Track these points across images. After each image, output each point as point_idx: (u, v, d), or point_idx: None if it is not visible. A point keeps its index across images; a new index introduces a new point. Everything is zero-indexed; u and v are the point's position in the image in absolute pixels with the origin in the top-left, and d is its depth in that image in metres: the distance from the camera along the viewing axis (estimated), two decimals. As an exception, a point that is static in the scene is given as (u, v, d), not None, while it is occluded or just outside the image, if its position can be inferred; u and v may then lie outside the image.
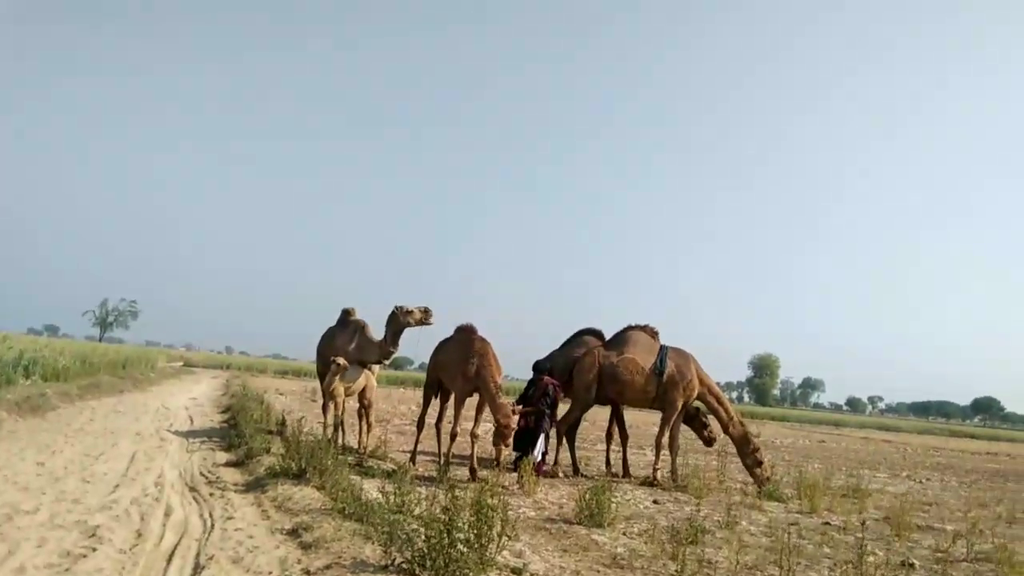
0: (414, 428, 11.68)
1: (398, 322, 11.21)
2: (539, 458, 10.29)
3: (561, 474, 11.12)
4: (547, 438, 10.67)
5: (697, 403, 11.97)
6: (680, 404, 11.50)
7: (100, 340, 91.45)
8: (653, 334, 12.03)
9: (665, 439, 11.50)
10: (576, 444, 12.40)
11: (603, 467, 12.34)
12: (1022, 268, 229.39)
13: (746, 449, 11.52)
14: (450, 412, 10.64)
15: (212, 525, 6.29)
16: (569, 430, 11.98)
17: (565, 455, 12.09)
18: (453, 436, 10.04)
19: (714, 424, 12.25)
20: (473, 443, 9.91)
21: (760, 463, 11.47)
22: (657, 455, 11.51)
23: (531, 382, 10.99)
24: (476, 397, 10.19)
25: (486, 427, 10.38)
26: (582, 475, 11.34)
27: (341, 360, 10.99)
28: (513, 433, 9.65)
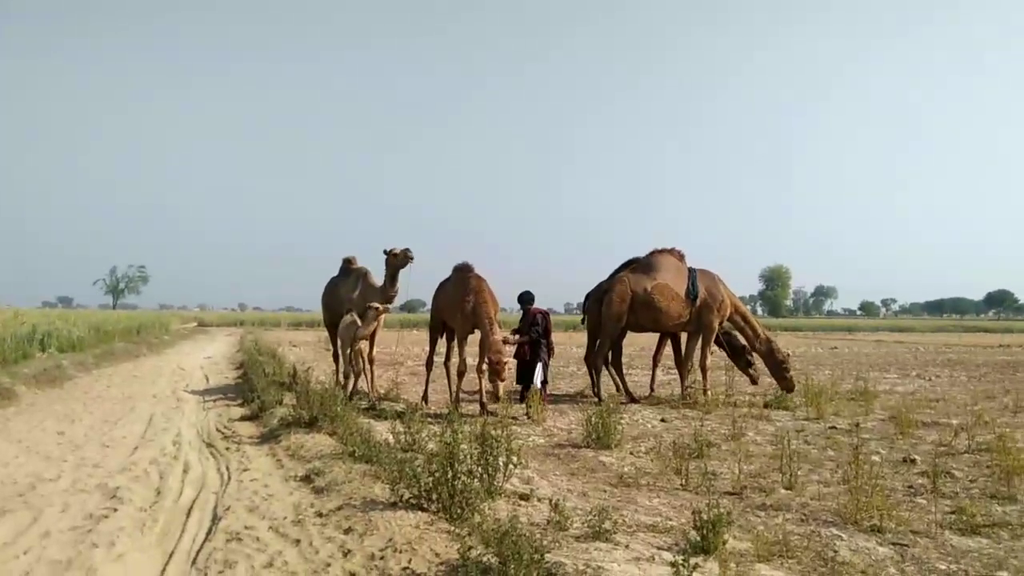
0: (424, 369, 11.87)
1: (390, 264, 11.29)
2: (539, 386, 10.42)
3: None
4: (546, 367, 10.79)
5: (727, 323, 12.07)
6: (716, 325, 11.61)
7: (114, 308, 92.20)
8: (680, 257, 11.95)
9: (708, 361, 11.65)
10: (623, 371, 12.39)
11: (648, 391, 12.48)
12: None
13: (775, 360, 11.73)
14: (456, 350, 10.79)
15: (229, 478, 6.49)
16: (614, 358, 11.98)
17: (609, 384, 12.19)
18: (460, 373, 10.21)
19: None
20: (480, 379, 10.08)
21: (787, 374, 11.70)
22: (705, 377, 11.64)
23: (523, 315, 11.08)
24: (479, 334, 10.32)
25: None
26: (636, 401, 11.44)
27: (378, 304, 11.01)
28: (506, 367, 9.79)
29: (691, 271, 11.67)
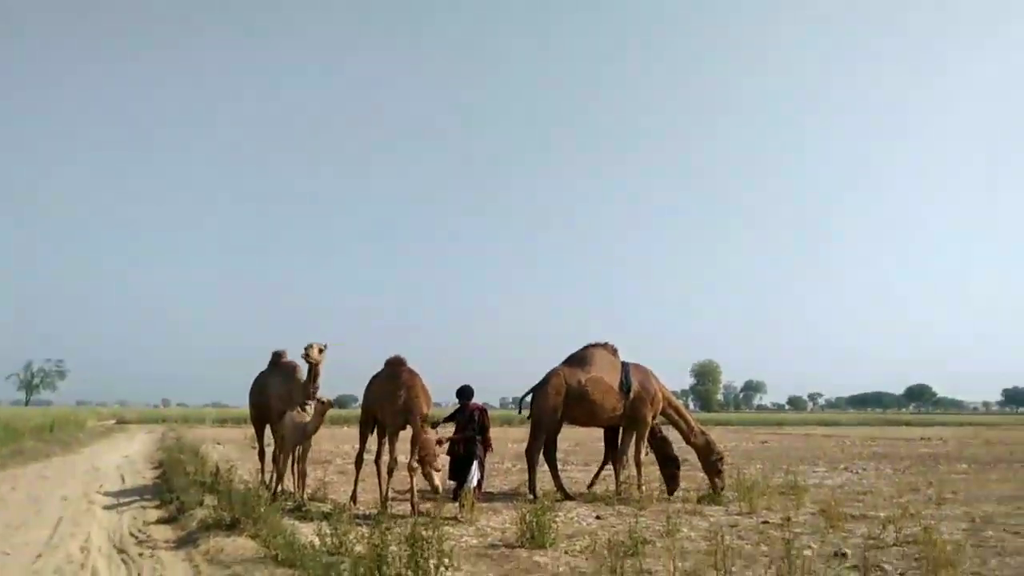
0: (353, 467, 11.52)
1: (305, 360, 10.85)
2: (474, 484, 10.24)
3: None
4: (481, 464, 10.62)
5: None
6: (650, 419, 11.62)
7: (26, 404, 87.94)
8: (613, 351, 12.02)
9: (643, 455, 11.58)
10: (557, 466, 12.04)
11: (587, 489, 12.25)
12: (950, 262, 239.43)
13: (710, 458, 11.69)
14: (388, 447, 10.53)
15: (141, 587, 6.09)
16: (548, 453, 11.72)
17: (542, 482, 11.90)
18: (390, 471, 9.92)
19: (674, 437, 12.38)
20: (412, 476, 9.82)
21: (721, 471, 11.66)
22: (639, 472, 11.53)
23: (459, 409, 10.95)
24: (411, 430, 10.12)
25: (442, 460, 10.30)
26: (571, 498, 11.21)
27: (326, 398, 10.52)
28: (436, 462, 9.56)
29: (624, 365, 11.78)
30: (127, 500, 11.31)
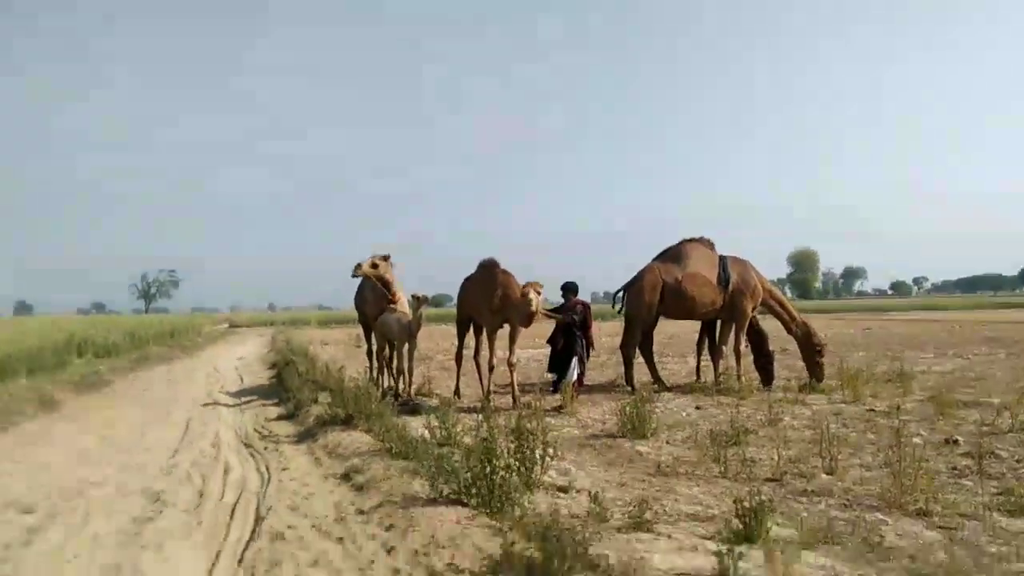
0: (454, 363, 11.89)
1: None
2: (574, 378, 10.44)
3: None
4: (581, 360, 10.76)
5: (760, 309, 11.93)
6: (750, 311, 11.55)
7: (146, 312, 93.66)
8: (710, 245, 11.92)
9: (742, 346, 11.57)
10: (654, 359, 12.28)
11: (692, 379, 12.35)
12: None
13: (811, 348, 11.58)
14: (485, 344, 10.79)
15: (268, 478, 6.57)
16: (644, 347, 11.90)
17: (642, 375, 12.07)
18: (491, 367, 10.18)
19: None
20: (511, 371, 10.07)
21: (820, 362, 11.53)
22: (739, 363, 11.54)
23: (562, 304, 11.07)
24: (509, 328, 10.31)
25: (522, 354, 10.51)
26: (666, 390, 11.34)
27: (421, 294, 10.97)
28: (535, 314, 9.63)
29: (722, 258, 11.62)
30: (247, 399, 12.07)
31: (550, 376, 11.02)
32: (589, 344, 10.99)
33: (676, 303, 11.37)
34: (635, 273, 11.74)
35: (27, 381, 12.59)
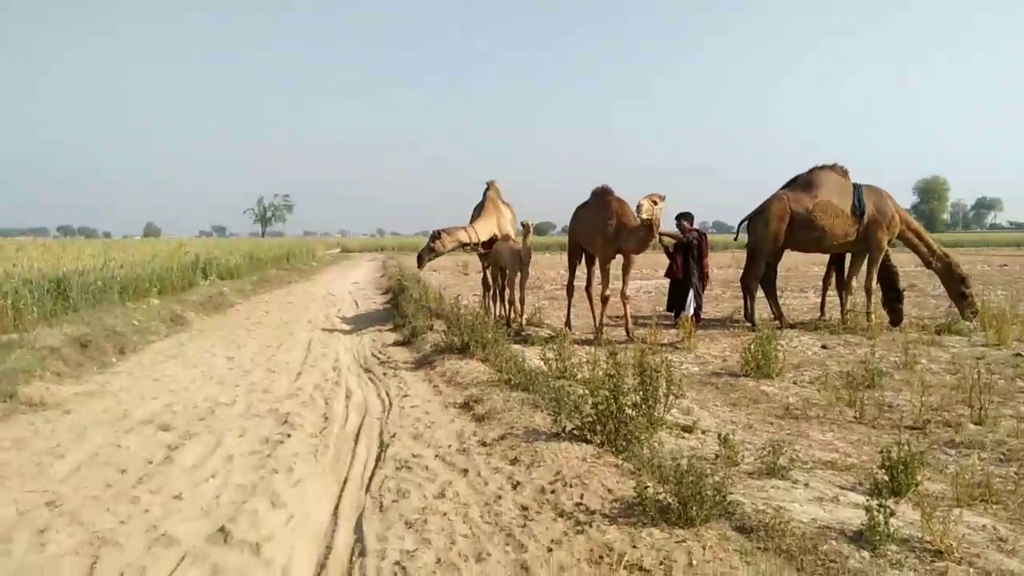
0: (565, 294, 11.75)
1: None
2: (691, 312, 10.15)
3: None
4: (698, 293, 10.44)
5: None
6: (885, 243, 10.83)
7: (263, 236, 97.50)
8: (843, 173, 11.12)
9: (874, 282, 10.93)
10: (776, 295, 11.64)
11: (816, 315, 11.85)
12: None
13: (953, 282, 10.89)
14: (598, 276, 10.58)
15: (390, 404, 6.67)
16: (767, 282, 11.33)
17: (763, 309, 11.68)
18: (604, 299, 9.97)
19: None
20: (625, 304, 9.85)
21: (967, 295, 10.82)
22: (869, 299, 10.91)
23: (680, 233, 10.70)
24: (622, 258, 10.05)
25: (633, 285, 10.25)
26: (789, 327, 10.86)
27: (527, 221, 10.89)
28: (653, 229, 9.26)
29: (856, 187, 10.84)
30: (364, 324, 12.34)
31: (666, 312, 10.75)
32: (704, 276, 10.65)
33: (805, 234, 10.74)
34: (761, 202, 11.15)
35: (158, 301, 13.26)
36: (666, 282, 11.08)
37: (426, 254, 11.30)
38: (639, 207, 9.03)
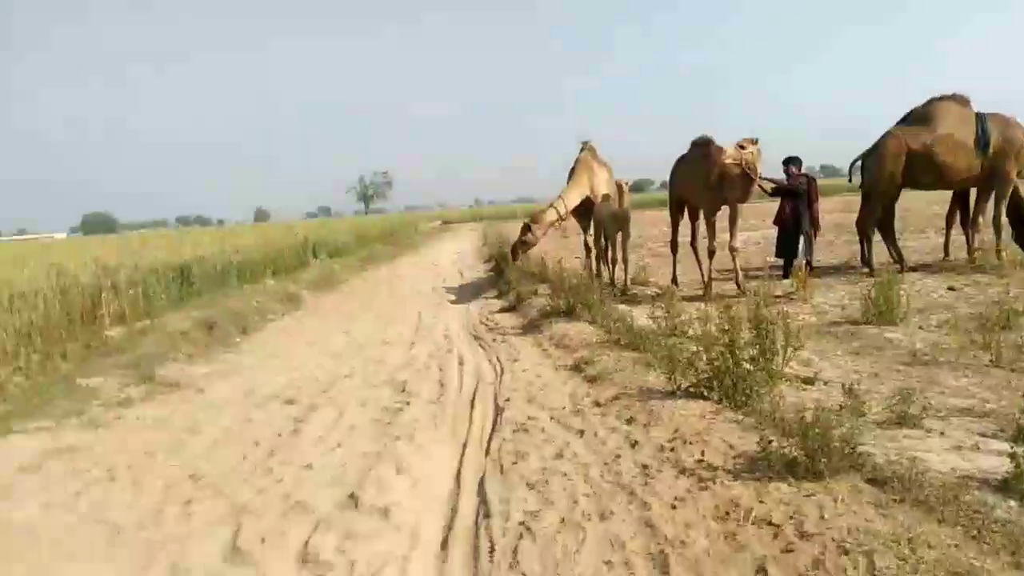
0: (669, 250, 11.53)
1: None
2: (803, 261, 9.77)
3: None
4: (809, 240, 10.00)
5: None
6: (1013, 175, 10.07)
7: (366, 213, 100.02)
8: (964, 102, 10.31)
9: (1003, 217, 10.23)
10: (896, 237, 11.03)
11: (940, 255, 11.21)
12: None
13: None
14: (703, 229, 10.31)
15: (502, 369, 6.74)
16: (884, 225, 10.76)
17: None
18: (711, 253, 9.70)
19: None
20: (734, 257, 9.58)
21: None
22: (998, 236, 10.22)
23: (786, 180, 10.24)
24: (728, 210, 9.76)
25: (745, 236, 9.94)
26: (910, 270, 10.23)
27: (623, 180, 10.81)
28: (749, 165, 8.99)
29: (980, 116, 10.04)
30: (469, 293, 12.52)
31: (776, 260, 10.39)
32: (815, 222, 10.18)
33: (924, 171, 10.06)
34: (875, 141, 10.55)
35: (273, 282, 13.82)
36: (775, 232, 10.66)
37: (520, 248, 11.32)
38: (725, 155, 8.79)
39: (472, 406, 5.64)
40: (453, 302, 11.65)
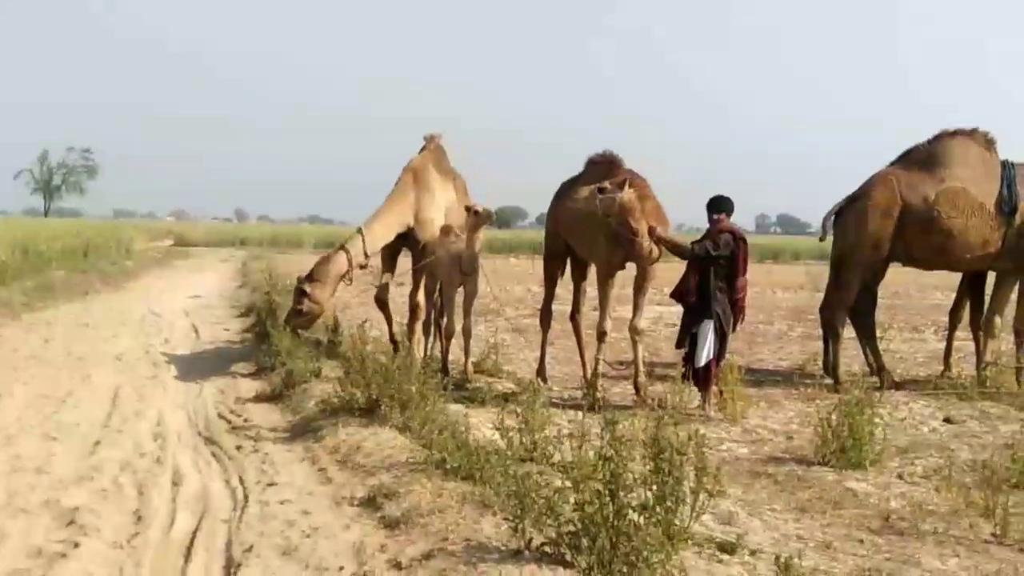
0: (537, 323, 11.76)
1: None
2: (703, 361, 9.72)
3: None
4: (722, 326, 9.95)
5: None
6: None
7: (46, 215, 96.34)
8: (987, 144, 11.11)
9: None
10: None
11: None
12: None
13: None
14: (592, 294, 10.61)
15: (246, 497, 6.63)
16: (861, 315, 11.34)
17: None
18: (602, 335, 9.95)
19: None
20: (636, 343, 9.87)
21: None
22: (1019, 345, 11.02)
23: (706, 232, 10.46)
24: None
25: (656, 313, 10.26)
26: (893, 386, 10.80)
27: (480, 207, 10.54)
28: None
29: (1006, 166, 10.80)
30: (207, 365, 12.26)
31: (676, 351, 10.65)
32: (738, 303, 10.15)
33: (924, 239, 10.68)
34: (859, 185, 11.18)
35: None
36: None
37: (296, 323, 11.15)
38: (602, 190, 9.14)
39: (187, 558, 5.49)
40: (178, 377, 11.38)
